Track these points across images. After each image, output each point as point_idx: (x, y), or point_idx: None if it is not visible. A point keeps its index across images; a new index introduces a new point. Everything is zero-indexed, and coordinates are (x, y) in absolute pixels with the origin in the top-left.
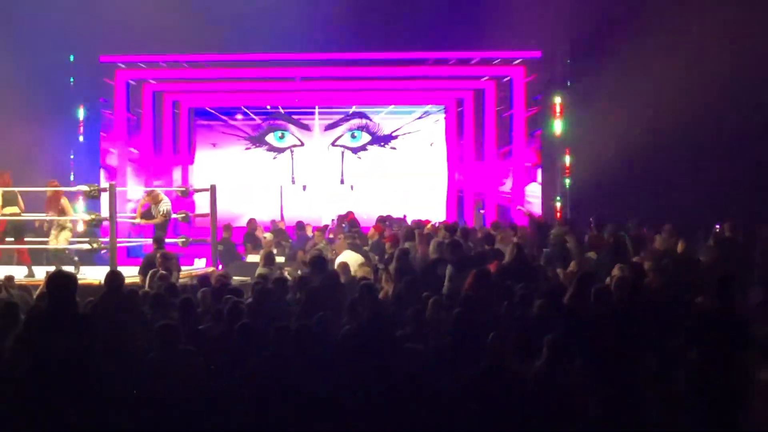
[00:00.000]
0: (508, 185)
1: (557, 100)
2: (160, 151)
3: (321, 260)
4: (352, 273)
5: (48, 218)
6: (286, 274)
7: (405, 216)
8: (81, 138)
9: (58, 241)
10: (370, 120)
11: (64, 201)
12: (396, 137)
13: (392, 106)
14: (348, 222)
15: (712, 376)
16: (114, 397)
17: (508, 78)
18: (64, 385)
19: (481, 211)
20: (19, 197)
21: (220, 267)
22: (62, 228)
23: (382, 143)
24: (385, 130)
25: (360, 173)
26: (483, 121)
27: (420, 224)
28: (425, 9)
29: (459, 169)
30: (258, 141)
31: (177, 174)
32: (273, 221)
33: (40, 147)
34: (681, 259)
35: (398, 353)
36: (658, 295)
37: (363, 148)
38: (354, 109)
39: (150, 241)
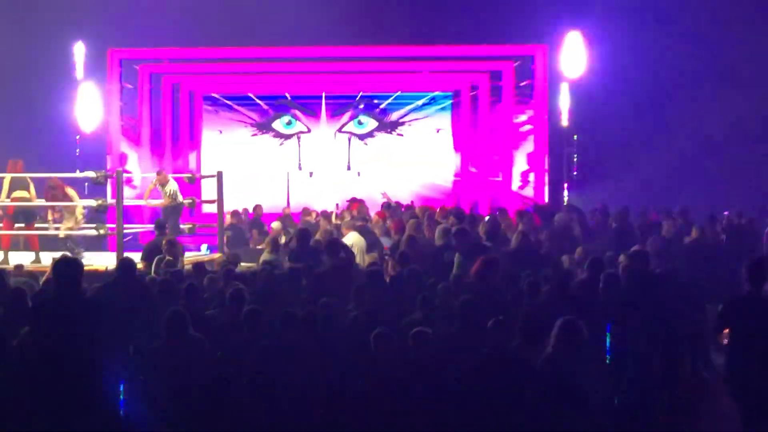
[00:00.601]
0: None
1: (565, 88)
2: (166, 137)
3: (335, 244)
4: (357, 259)
5: (59, 204)
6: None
7: (413, 202)
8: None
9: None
10: (377, 106)
11: (69, 190)
12: (403, 123)
13: (399, 92)
14: (356, 210)
15: (748, 361)
16: (121, 384)
17: (517, 64)
18: (71, 370)
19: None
20: (31, 184)
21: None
22: (72, 214)
23: (389, 130)
24: (393, 117)
25: (367, 160)
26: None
27: (428, 209)
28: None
29: (469, 156)
30: (265, 127)
31: (183, 160)
32: (283, 210)
33: (45, 133)
34: (696, 245)
35: (404, 340)
36: (667, 281)
37: (370, 134)
38: (361, 95)
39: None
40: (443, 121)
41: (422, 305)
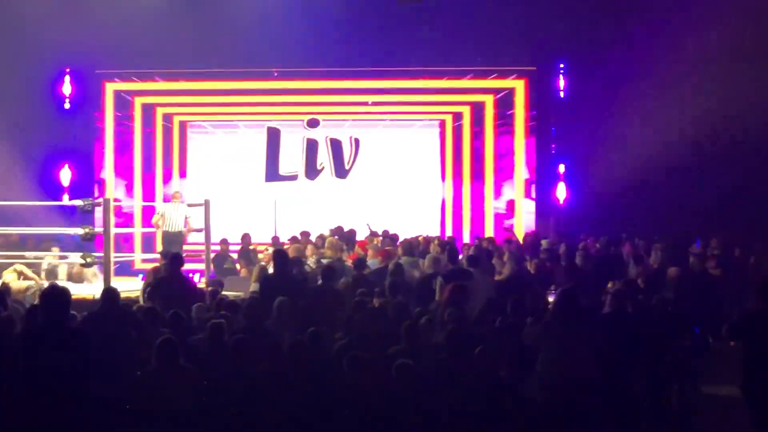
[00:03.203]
0: (501, 201)
1: (552, 116)
2: (151, 165)
3: (331, 271)
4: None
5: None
6: None
7: (396, 235)
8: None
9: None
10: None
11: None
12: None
13: (387, 121)
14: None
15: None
16: (108, 412)
17: (504, 93)
18: (58, 398)
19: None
20: None
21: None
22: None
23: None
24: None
25: (351, 189)
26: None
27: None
28: (417, 25)
29: (453, 184)
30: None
31: (169, 189)
32: (272, 239)
33: (31, 160)
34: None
35: (390, 369)
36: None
37: (341, 174)
38: (349, 125)
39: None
40: (429, 151)
41: (407, 335)
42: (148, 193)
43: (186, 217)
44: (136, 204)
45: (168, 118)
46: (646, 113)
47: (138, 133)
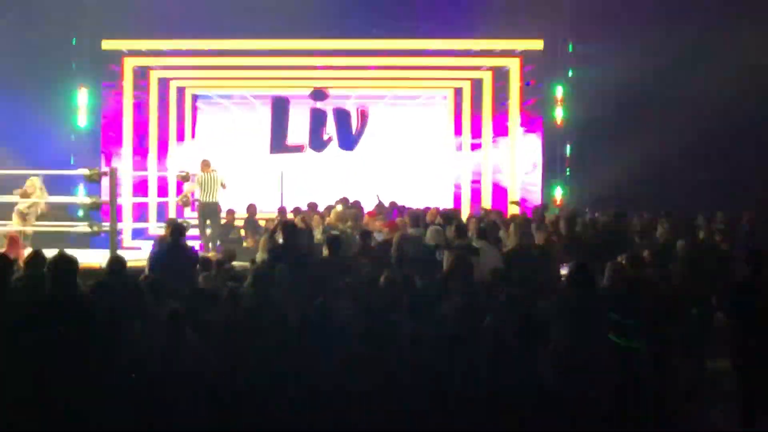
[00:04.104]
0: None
1: (558, 89)
2: (160, 135)
3: (337, 241)
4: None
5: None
6: None
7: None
8: (81, 121)
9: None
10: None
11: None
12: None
13: (391, 94)
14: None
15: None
16: (115, 383)
17: (508, 68)
18: (65, 367)
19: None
20: None
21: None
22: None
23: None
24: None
25: (356, 160)
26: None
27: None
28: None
29: (458, 157)
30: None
31: (177, 159)
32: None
33: (40, 129)
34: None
35: (397, 340)
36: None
37: (348, 144)
38: (354, 99)
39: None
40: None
41: (410, 308)
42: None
43: (222, 184)
44: (150, 174)
45: (180, 90)
46: (655, 89)
47: (154, 103)
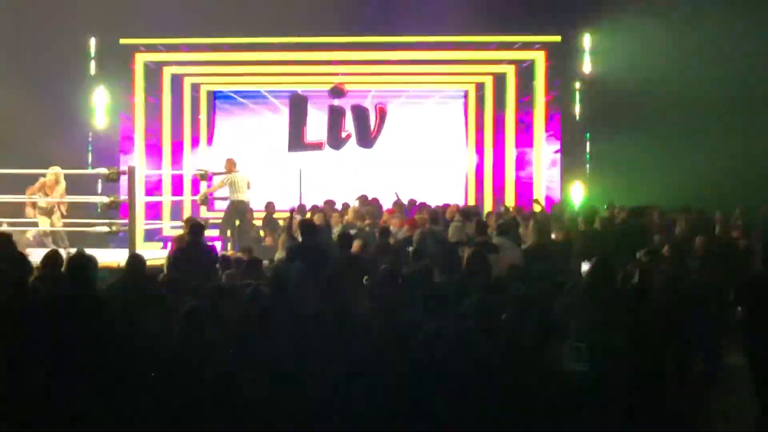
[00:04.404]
0: (528, 171)
1: (577, 85)
2: (178, 134)
3: (348, 238)
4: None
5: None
6: None
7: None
8: (98, 121)
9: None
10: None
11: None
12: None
13: (411, 91)
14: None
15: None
16: (132, 381)
17: (528, 62)
18: (82, 368)
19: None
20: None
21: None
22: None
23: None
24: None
25: (374, 158)
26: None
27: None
28: None
29: (478, 154)
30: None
31: (195, 157)
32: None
33: (58, 129)
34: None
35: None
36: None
37: (366, 143)
38: (372, 94)
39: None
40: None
41: (431, 302)
42: (176, 162)
43: (248, 184)
44: (164, 173)
45: (196, 88)
46: (676, 81)
47: (167, 102)
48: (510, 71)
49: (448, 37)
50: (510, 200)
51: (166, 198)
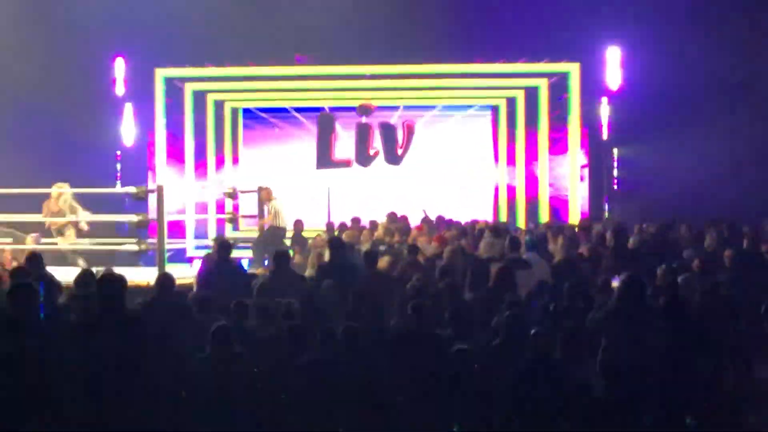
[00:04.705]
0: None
1: (605, 100)
2: (204, 152)
3: (373, 255)
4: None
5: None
6: None
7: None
8: (127, 140)
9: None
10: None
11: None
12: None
13: (439, 106)
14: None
15: None
16: (164, 399)
17: (557, 78)
18: (115, 387)
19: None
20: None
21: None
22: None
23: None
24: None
25: (402, 175)
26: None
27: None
28: (464, 21)
29: (509, 170)
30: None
31: (222, 175)
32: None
33: (86, 149)
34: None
35: (445, 353)
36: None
37: (394, 159)
38: (401, 110)
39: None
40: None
41: (452, 319)
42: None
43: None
44: (188, 192)
45: (220, 105)
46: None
47: (189, 119)
48: (543, 84)
49: (474, 66)
50: (544, 217)
51: (193, 217)
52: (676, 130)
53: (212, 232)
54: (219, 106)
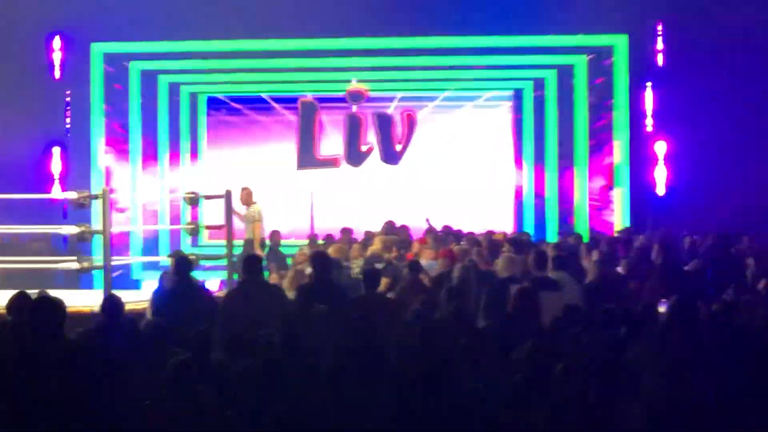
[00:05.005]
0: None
1: (649, 88)
2: (162, 149)
3: (375, 274)
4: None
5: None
6: None
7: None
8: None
9: None
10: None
11: None
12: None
13: (446, 93)
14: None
15: None
16: None
17: (593, 56)
18: (57, 426)
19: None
20: None
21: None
22: None
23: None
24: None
25: (402, 176)
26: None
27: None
28: None
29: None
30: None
31: (182, 177)
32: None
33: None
34: None
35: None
36: None
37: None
38: (398, 100)
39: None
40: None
41: (464, 355)
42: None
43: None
44: (138, 197)
45: (176, 90)
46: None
47: (136, 107)
48: (581, 62)
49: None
50: (582, 227)
51: (143, 227)
52: (737, 121)
53: (166, 247)
54: (174, 90)
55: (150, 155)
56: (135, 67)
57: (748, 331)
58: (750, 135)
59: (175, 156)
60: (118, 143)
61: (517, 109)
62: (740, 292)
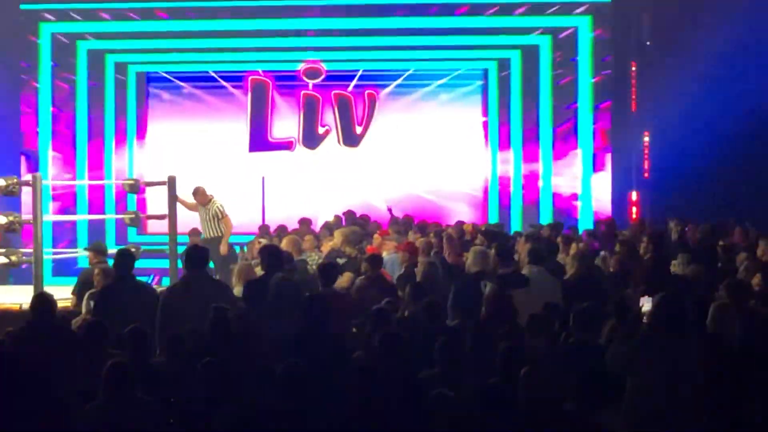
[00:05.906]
0: (567, 175)
1: (632, 65)
2: (98, 130)
3: (331, 269)
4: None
5: None
6: None
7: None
8: None
9: None
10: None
11: None
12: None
13: (410, 71)
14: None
15: None
16: None
17: (568, 32)
18: None
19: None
20: None
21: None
22: None
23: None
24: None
25: (362, 160)
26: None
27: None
28: None
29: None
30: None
31: (121, 162)
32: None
33: None
34: None
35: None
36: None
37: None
38: (359, 76)
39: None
40: (468, 110)
41: (441, 355)
42: (94, 168)
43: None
44: (79, 182)
45: (121, 69)
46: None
47: (82, 87)
48: (545, 43)
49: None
50: (546, 217)
51: (84, 217)
52: (726, 100)
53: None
54: (121, 69)
55: (89, 139)
56: (82, 47)
57: (737, 329)
58: (739, 120)
59: (121, 139)
60: (53, 126)
61: (484, 90)
62: (731, 287)
